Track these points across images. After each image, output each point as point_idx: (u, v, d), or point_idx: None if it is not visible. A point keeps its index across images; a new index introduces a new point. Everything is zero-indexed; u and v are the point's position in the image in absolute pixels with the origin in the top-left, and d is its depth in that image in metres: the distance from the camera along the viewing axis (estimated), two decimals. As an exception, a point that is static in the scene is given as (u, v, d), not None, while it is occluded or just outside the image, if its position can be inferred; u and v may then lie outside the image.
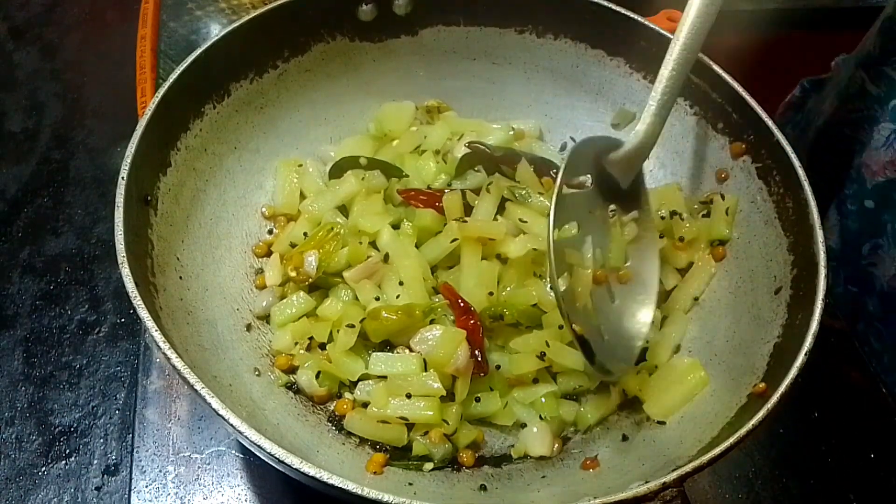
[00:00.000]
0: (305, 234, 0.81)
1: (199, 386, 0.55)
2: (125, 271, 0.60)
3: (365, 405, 0.72)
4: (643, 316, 0.75)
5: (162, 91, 0.72)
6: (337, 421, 0.73)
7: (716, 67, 0.79)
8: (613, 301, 0.75)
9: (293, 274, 0.78)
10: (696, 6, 0.71)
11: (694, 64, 0.81)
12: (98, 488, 0.77)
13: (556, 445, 0.73)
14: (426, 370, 0.72)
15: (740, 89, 0.78)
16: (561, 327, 0.73)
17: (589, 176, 0.75)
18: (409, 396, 0.70)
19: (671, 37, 0.81)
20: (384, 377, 0.72)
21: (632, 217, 0.78)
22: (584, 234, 0.73)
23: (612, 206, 0.78)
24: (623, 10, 0.83)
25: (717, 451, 0.56)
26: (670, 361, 0.75)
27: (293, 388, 0.75)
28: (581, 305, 0.71)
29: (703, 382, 0.71)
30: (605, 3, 0.84)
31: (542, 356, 0.73)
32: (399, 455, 0.71)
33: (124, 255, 0.61)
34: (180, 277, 0.72)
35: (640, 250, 0.78)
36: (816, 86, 1.24)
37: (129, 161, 0.67)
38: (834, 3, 1.47)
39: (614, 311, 0.75)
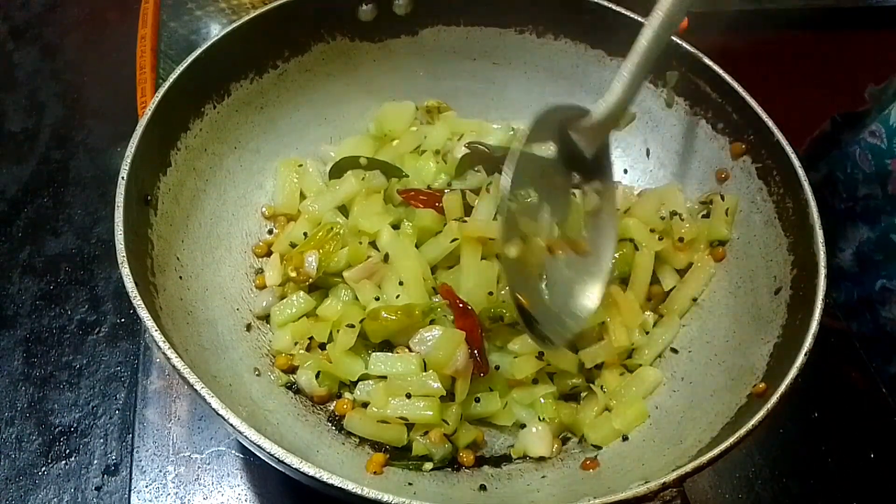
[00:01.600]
0: (305, 234, 0.81)
1: (199, 386, 0.56)
2: (125, 271, 0.60)
3: (365, 405, 0.72)
4: (593, 289, 0.73)
5: (162, 91, 0.73)
6: (337, 421, 0.73)
7: (716, 67, 0.79)
8: (566, 271, 0.73)
9: (293, 274, 0.78)
10: None
11: (694, 64, 0.81)
12: (98, 488, 0.77)
13: (556, 446, 0.73)
14: (426, 370, 0.72)
15: (740, 89, 0.78)
16: None
17: (552, 143, 0.72)
18: (408, 396, 0.70)
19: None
20: (384, 377, 0.72)
21: (594, 188, 0.76)
22: (542, 202, 0.71)
23: (575, 176, 0.75)
24: (623, 11, 0.83)
25: (716, 451, 0.56)
26: (637, 371, 0.76)
27: (293, 388, 0.75)
28: (531, 273, 0.69)
29: (642, 417, 0.73)
30: (605, 4, 0.84)
31: (540, 356, 0.73)
32: (399, 455, 0.71)
33: (124, 254, 0.61)
34: (180, 277, 0.72)
35: (599, 223, 0.76)
36: (850, 120, 1.18)
37: (129, 161, 0.67)
38: (834, 3, 1.46)
39: (565, 281, 0.73)
